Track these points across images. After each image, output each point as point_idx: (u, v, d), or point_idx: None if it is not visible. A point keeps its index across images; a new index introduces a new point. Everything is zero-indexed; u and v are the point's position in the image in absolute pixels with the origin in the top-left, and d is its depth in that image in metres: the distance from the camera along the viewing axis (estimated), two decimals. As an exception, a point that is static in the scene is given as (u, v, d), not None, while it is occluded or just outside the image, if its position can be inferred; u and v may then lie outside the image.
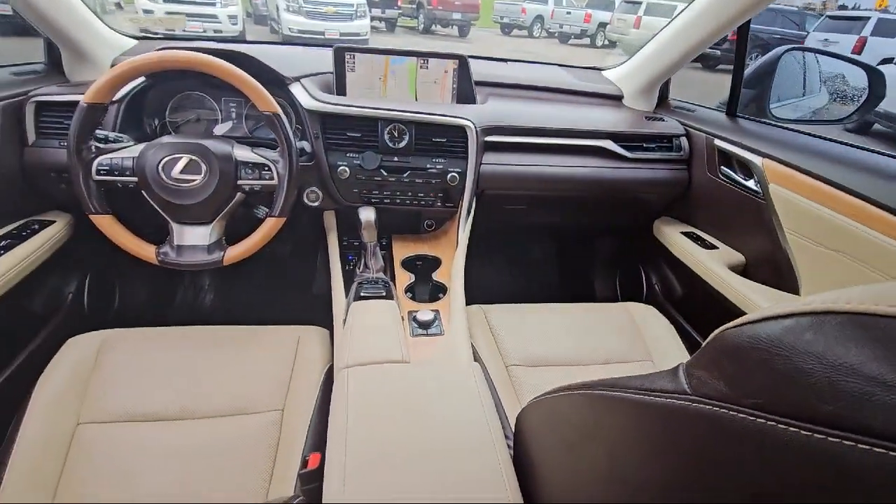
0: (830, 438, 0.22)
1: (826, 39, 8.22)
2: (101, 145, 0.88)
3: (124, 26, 1.33)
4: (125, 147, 0.90)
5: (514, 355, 0.99)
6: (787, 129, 1.11)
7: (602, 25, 13.10)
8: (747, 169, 1.10)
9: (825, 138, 1.03)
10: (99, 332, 0.93)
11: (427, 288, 1.06)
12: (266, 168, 0.93)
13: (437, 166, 1.15)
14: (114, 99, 0.95)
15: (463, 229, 1.15)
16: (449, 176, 1.14)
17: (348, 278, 1.06)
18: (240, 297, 1.50)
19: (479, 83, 1.27)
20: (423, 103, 1.20)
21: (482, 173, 1.17)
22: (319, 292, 1.54)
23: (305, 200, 1.14)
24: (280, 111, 0.91)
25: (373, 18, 9.42)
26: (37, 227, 1.04)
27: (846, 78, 1.43)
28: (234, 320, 1.00)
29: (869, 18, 8.35)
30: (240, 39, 7.41)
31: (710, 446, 0.30)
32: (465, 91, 1.24)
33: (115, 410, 0.81)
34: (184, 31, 6.97)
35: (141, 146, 0.89)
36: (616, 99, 1.44)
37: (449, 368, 0.76)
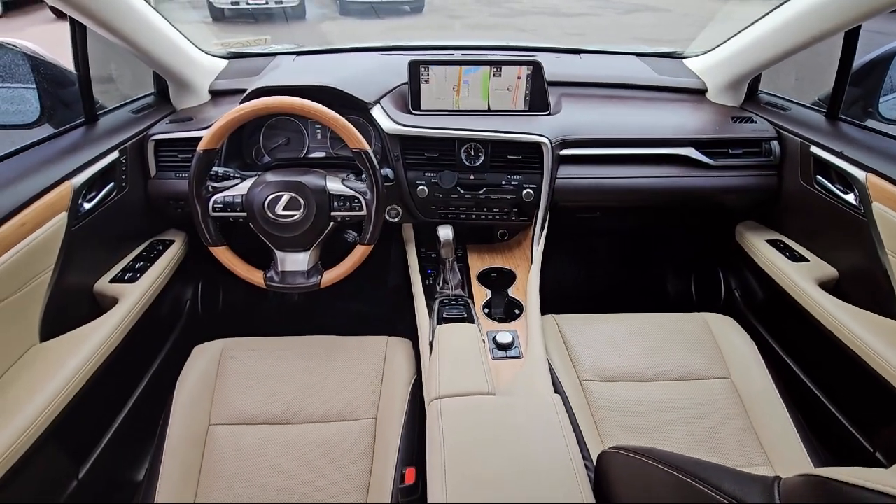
0: None
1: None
2: (216, 184, 0.99)
3: (215, 49, 1.43)
4: (235, 184, 1.00)
5: (588, 369, 1.03)
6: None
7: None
8: (846, 181, 1.02)
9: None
10: (219, 340, 1.07)
11: (503, 303, 1.11)
12: (356, 200, 1.00)
13: (513, 183, 1.17)
14: None
15: (537, 245, 1.17)
16: (524, 192, 1.16)
17: (429, 294, 1.13)
18: (323, 299, 1.63)
19: (551, 83, 1.25)
20: (497, 116, 1.21)
21: (557, 187, 1.17)
22: (393, 284, 1.64)
23: (386, 217, 1.21)
24: (368, 148, 0.97)
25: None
26: (161, 247, 1.19)
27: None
28: (319, 322, 1.11)
29: None
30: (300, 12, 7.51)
31: None
32: (538, 96, 1.23)
33: (238, 413, 0.95)
34: (248, 3, 7.16)
35: (248, 183, 0.99)
36: (699, 93, 1.36)
37: (532, 402, 0.82)
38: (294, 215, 0.98)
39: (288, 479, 0.87)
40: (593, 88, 1.37)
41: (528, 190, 1.16)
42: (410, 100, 1.21)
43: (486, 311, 1.09)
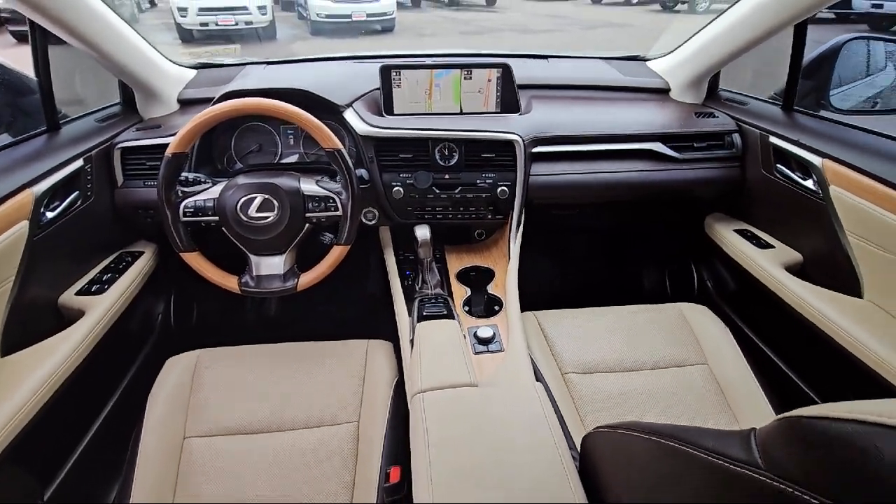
0: None
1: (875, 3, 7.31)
2: (185, 189, 0.97)
3: (184, 60, 1.41)
4: (206, 188, 0.98)
5: (570, 363, 1.03)
6: (850, 126, 1.07)
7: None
8: (805, 168, 1.07)
9: (889, 136, 1.00)
10: (193, 352, 1.04)
11: (482, 300, 1.11)
12: (331, 200, 0.99)
13: (487, 181, 1.18)
14: None
15: (514, 241, 1.18)
16: (499, 189, 1.18)
17: (408, 294, 1.12)
18: (300, 306, 1.61)
19: (521, 86, 1.28)
20: (469, 117, 1.23)
21: (531, 184, 1.19)
22: (371, 291, 1.63)
23: (363, 220, 1.20)
24: (341, 147, 0.97)
25: (398, -6, 9.27)
26: (129, 259, 1.16)
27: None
28: (297, 329, 1.09)
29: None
30: (270, 32, 7.54)
31: None
32: (509, 98, 1.25)
33: (216, 425, 0.92)
34: (217, 24, 7.14)
35: (219, 187, 0.98)
36: (663, 93, 1.41)
37: (514, 391, 0.82)
38: (268, 217, 0.96)
39: (269, 488, 0.84)
40: (562, 90, 1.41)
41: (503, 187, 1.17)
42: (383, 104, 1.22)
43: (466, 308, 1.09)
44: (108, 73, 1.16)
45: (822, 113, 1.15)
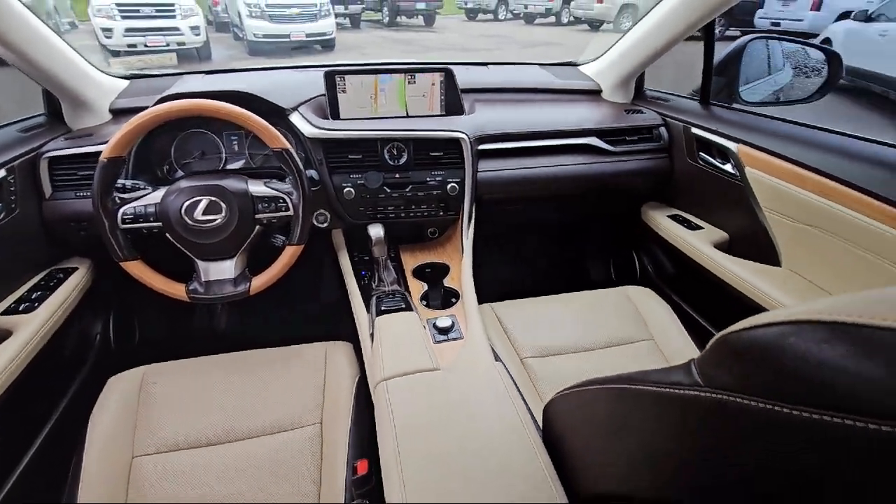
0: (825, 417, 0.30)
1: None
2: (123, 195, 0.93)
3: (115, 70, 1.36)
4: (146, 194, 0.94)
5: (527, 348, 1.06)
6: (758, 114, 1.20)
7: (566, 2, 13.11)
8: (724, 154, 1.18)
9: (791, 121, 1.12)
10: (138, 368, 0.98)
11: (439, 294, 1.13)
12: (281, 200, 0.98)
13: (437, 178, 1.21)
14: None
15: (466, 236, 1.22)
16: (449, 186, 1.21)
17: (365, 293, 1.12)
18: (254, 318, 1.55)
19: (464, 90, 1.33)
20: (416, 119, 1.26)
21: (479, 181, 1.23)
22: (327, 301, 1.60)
23: (315, 223, 1.19)
24: (289, 146, 0.96)
25: (336, 15, 9.32)
26: (61, 275, 1.08)
27: (808, 51, 1.52)
28: (251, 342, 1.06)
29: (824, -25, 8.49)
30: (205, 53, 7.32)
31: (723, 427, 0.38)
32: (453, 101, 1.30)
33: (166, 441, 0.87)
34: (146, 45, 6.85)
35: (161, 192, 0.94)
36: (595, 94, 1.51)
37: (476, 372, 0.84)
38: (215, 220, 0.94)
39: (230, 497, 0.80)
40: (502, 94, 1.48)
41: (453, 184, 1.21)
42: (329, 109, 1.23)
43: (424, 302, 1.10)
44: (30, 83, 1.10)
45: (735, 105, 1.28)
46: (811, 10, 7.90)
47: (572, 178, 1.29)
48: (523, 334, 1.10)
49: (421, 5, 11.85)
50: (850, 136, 1.00)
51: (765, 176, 1.07)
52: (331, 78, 1.22)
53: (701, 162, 1.25)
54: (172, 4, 6.94)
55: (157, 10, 6.92)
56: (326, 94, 1.22)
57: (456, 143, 1.21)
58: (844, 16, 6.64)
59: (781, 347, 0.33)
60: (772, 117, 1.17)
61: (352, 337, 1.08)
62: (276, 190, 0.98)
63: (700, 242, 1.21)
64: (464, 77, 1.34)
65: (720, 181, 1.20)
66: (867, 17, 5.95)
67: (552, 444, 0.69)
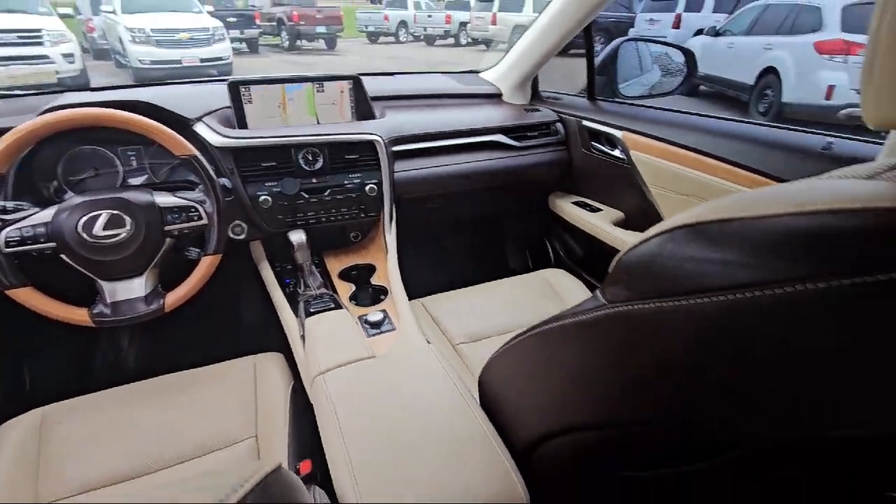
0: (697, 300, 0.36)
1: (651, 18, 9.51)
2: (5, 217, 0.84)
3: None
4: (32, 214, 0.86)
5: (458, 335, 1.11)
6: (635, 104, 1.37)
7: (463, 25, 13.78)
8: (612, 142, 1.33)
9: (665, 109, 1.30)
10: (36, 410, 0.88)
11: (368, 293, 1.14)
12: (192, 210, 0.94)
13: (355, 181, 1.23)
14: None
15: (389, 234, 1.24)
16: (367, 188, 1.23)
17: (292, 300, 1.10)
18: (170, 341, 1.44)
19: (374, 98, 1.37)
20: (328, 126, 1.27)
21: (397, 180, 1.27)
22: (250, 315, 1.53)
23: (231, 235, 1.15)
24: (197, 153, 0.93)
25: (232, 40, 8.99)
26: None
27: (670, 55, 1.76)
28: (169, 366, 0.99)
29: (679, -2, 9.79)
30: (83, 84, 6.68)
31: (626, 334, 0.44)
32: (364, 108, 1.33)
33: (77, 482, 0.79)
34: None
35: (51, 210, 0.86)
36: (497, 97, 1.62)
37: (411, 356, 0.86)
38: (119, 234, 0.87)
39: None
40: (411, 100, 1.53)
41: (371, 185, 1.23)
42: (236, 120, 1.20)
43: (353, 301, 1.10)
44: None
45: (617, 100, 1.45)
46: (672, 27, 9.08)
47: (483, 173, 1.38)
48: (453, 323, 1.14)
49: (321, 29, 11.82)
50: (712, 116, 1.18)
51: (647, 157, 1.22)
52: (235, 89, 1.19)
53: (594, 151, 1.39)
54: (39, 30, 6.26)
55: (21, 37, 6.20)
56: (232, 105, 1.19)
57: (370, 145, 1.23)
58: (699, 32, 7.71)
59: (660, 253, 0.40)
60: (649, 107, 1.34)
61: (282, 347, 1.05)
62: (187, 199, 0.94)
63: (601, 222, 1.35)
64: (372, 86, 1.37)
65: (612, 166, 1.34)
66: (716, 33, 6.97)
67: (490, 408, 0.73)
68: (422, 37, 14.52)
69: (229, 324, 1.50)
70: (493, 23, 12.24)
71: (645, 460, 0.61)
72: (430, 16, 14.29)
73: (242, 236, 1.17)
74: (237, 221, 1.16)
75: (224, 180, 1.10)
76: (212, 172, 0.94)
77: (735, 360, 0.37)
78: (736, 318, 0.36)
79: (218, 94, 1.21)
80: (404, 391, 0.76)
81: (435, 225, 1.61)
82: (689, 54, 1.39)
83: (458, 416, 0.71)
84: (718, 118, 1.16)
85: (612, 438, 0.52)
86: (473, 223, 1.83)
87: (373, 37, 14.60)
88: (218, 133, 1.12)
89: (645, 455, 0.60)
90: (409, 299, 1.16)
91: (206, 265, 0.96)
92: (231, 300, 1.50)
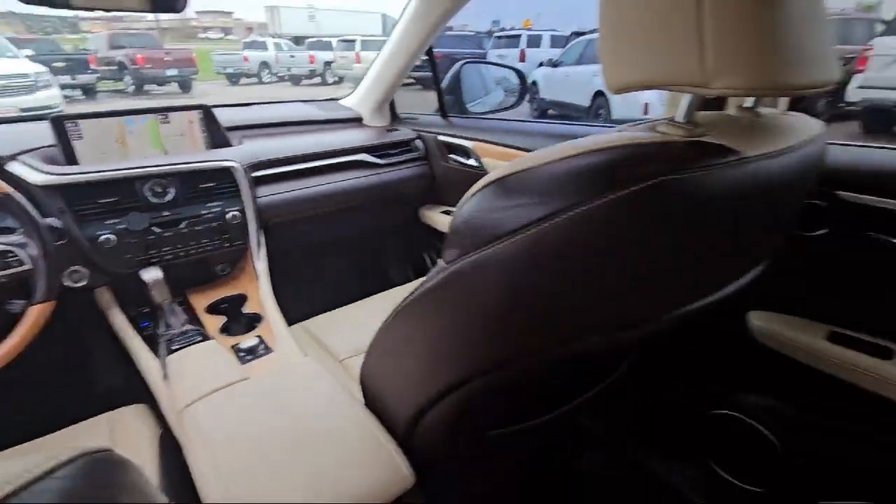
0: (504, 243, 0.43)
1: (500, 55, 10.55)
2: None
3: None
4: None
5: (343, 351, 1.10)
6: (481, 118, 1.52)
7: (328, 64, 13.90)
8: (466, 152, 1.45)
9: (509, 119, 1.46)
10: None
11: (241, 322, 1.08)
12: (10, 255, 0.83)
13: (214, 210, 1.17)
14: None
15: (259, 260, 1.20)
16: (229, 216, 1.18)
17: (151, 342, 1.00)
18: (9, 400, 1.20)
19: (230, 129, 1.33)
20: (179, 156, 1.20)
21: (261, 206, 1.24)
22: (104, 380, 1.34)
23: (70, 283, 1.02)
24: (10, 190, 0.83)
25: (63, 86, 7.99)
26: None
27: (509, 78, 1.99)
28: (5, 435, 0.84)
29: (521, 35, 11.06)
30: None
31: (462, 288, 0.50)
32: (218, 137, 1.28)
33: None
34: None
35: None
36: (357, 121, 1.68)
37: (287, 370, 0.84)
38: None
39: None
40: (271, 128, 1.52)
41: (233, 213, 1.18)
42: (64, 157, 1.08)
43: (225, 333, 1.04)
44: None
45: (466, 115, 1.59)
46: (519, 61, 10.19)
47: (352, 191, 1.41)
48: (337, 340, 1.13)
49: (172, 72, 11.05)
50: (551, 122, 1.36)
51: (495, 161, 1.35)
52: (59, 124, 1.08)
53: (452, 162, 1.51)
54: None
55: None
56: (58, 142, 1.07)
57: (227, 172, 1.19)
58: (541, 64, 8.76)
59: (476, 210, 0.47)
60: (491, 119, 1.49)
61: (146, 396, 0.95)
62: (3, 244, 0.83)
63: None
64: (228, 117, 1.33)
65: (469, 174, 1.46)
66: (554, 64, 7.98)
67: (373, 404, 0.74)
68: (286, 77, 14.32)
69: (78, 383, 1.30)
70: (357, 61, 12.56)
71: (508, 414, 0.68)
72: (292, 56, 14.19)
73: (82, 283, 1.04)
74: (75, 267, 1.03)
75: (52, 220, 0.97)
76: (33, 213, 0.84)
77: (542, 285, 0.45)
78: (535, 248, 0.43)
79: (38, 133, 1.09)
80: (282, 403, 0.74)
81: (311, 247, 1.58)
82: (520, 74, 1.60)
83: (339, 417, 0.71)
84: (561, 123, 1.36)
85: (477, 393, 0.57)
86: (352, 242, 1.84)
87: (233, 78, 14.04)
88: (38, 171, 1.00)
89: (506, 406, 0.66)
90: (290, 324, 1.12)
91: (34, 315, 0.84)
92: (79, 356, 1.31)
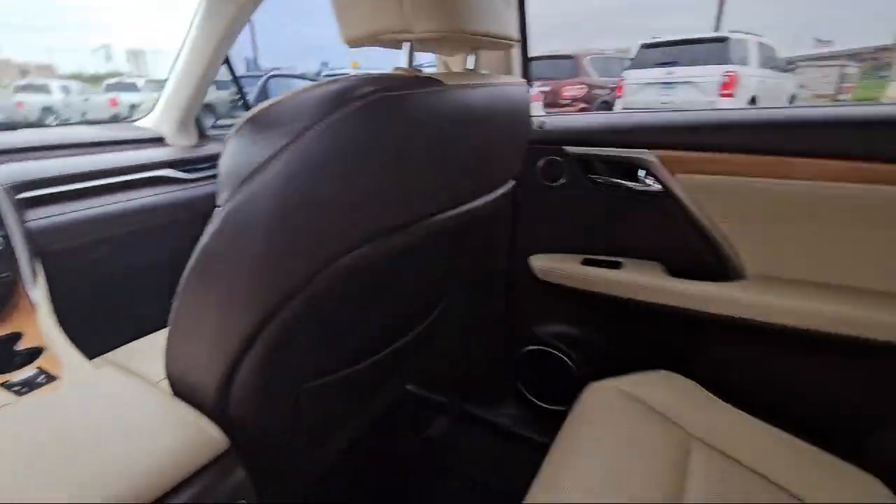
0: (262, 172, 0.48)
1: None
2: None
3: None
4: None
5: (157, 374, 1.00)
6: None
7: (134, 107, 12.45)
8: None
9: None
10: None
11: (13, 360, 0.92)
12: None
13: None
14: None
15: (35, 289, 1.04)
16: None
17: None
18: None
19: None
20: None
21: (35, 230, 1.08)
22: None
23: None
24: None
25: None
26: None
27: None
28: None
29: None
30: None
31: (232, 228, 0.53)
32: None
33: None
34: None
35: None
36: (159, 141, 1.57)
37: (78, 380, 0.75)
38: None
39: None
40: (44, 151, 1.33)
41: None
42: None
43: None
44: None
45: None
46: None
47: (152, 210, 1.30)
48: (151, 365, 1.02)
49: None
50: None
51: None
52: None
53: None
54: None
55: None
56: None
57: None
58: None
59: (233, 151, 0.52)
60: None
61: None
62: None
63: None
64: None
65: None
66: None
67: (185, 390, 0.70)
68: (83, 123, 12.40)
69: None
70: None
71: (317, 366, 0.71)
72: (86, 99, 12.40)
73: None
74: None
75: None
76: None
77: (301, 201, 0.51)
78: (288, 168, 0.49)
79: None
80: (63, 410, 0.66)
81: (111, 274, 1.40)
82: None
83: (137, 406, 0.67)
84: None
85: (276, 340, 0.59)
86: (161, 266, 1.66)
87: (4, 127, 11.66)
88: None
89: (315, 358, 0.70)
90: (90, 359, 0.99)
91: None
92: None
